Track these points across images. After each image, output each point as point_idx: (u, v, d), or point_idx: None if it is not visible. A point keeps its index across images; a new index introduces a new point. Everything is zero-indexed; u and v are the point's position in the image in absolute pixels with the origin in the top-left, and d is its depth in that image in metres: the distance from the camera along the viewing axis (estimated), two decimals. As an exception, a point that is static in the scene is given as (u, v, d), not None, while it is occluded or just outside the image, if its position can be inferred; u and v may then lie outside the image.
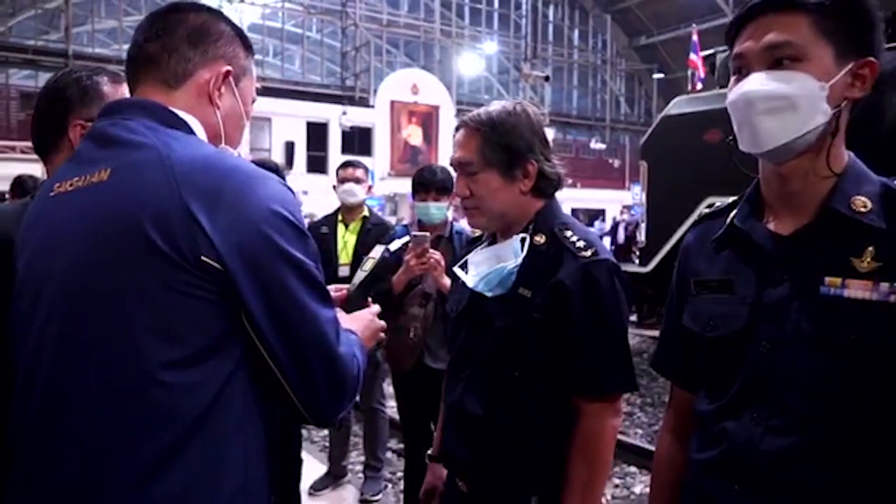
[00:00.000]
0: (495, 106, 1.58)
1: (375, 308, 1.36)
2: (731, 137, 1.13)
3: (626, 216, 15.78)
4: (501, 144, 1.54)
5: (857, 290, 1.02)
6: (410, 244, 2.80)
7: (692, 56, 14.06)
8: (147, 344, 0.95)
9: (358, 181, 3.76)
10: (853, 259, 1.03)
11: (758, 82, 1.06)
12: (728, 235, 1.20)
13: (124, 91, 1.36)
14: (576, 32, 31.13)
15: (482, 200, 1.57)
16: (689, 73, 13.90)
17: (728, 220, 1.20)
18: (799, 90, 1.04)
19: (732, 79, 1.12)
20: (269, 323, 1.00)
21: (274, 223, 1.01)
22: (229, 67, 1.15)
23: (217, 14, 1.18)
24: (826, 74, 1.04)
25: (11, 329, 1.09)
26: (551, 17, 30.17)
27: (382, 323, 1.34)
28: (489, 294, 1.55)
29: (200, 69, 1.13)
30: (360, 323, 1.28)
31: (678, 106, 6.95)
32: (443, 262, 2.77)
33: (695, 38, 14.42)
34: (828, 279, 1.04)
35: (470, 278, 1.60)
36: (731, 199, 1.25)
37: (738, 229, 1.17)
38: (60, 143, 1.36)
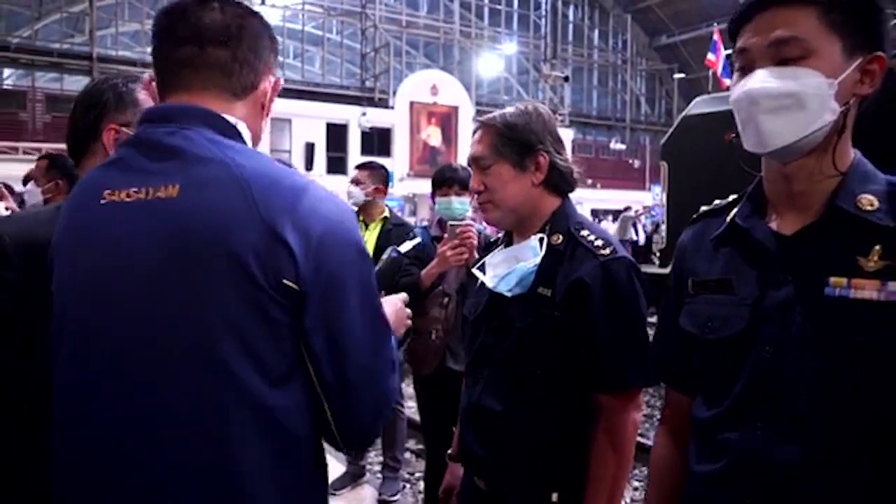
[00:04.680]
0: (510, 108, 1.66)
1: (403, 295, 1.37)
2: (734, 135, 1.10)
3: (639, 213, 15.76)
4: (513, 138, 1.59)
5: (863, 290, 0.98)
6: (447, 235, 2.73)
7: (710, 56, 13.92)
8: (234, 365, 0.94)
9: (357, 183, 3.74)
10: (859, 258, 0.99)
11: (763, 79, 1.01)
12: (728, 234, 1.16)
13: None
14: (596, 32, 31.00)
15: (495, 193, 1.61)
16: (711, 72, 13.76)
17: (728, 218, 1.17)
18: (806, 87, 0.99)
19: (735, 75, 1.08)
20: (327, 349, 0.99)
21: (348, 245, 1.02)
22: (278, 77, 1.16)
23: (260, 16, 1.15)
24: (834, 70, 1.00)
25: (56, 333, 1.04)
26: (571, 18, 30.09)
27: (409, 311, 1.36)
28: (508, 294, 1.57)
29: (262, 80, 1.12)
30: (392, 308, 1.27)
31: (699, 106, 6.89)
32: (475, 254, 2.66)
33: (716, 37, 14.27)
34: (833, 279, 1.00)
35: (489, 279, 1.62)
36: (731, 197, 1.21)
37: (740, 227, 1.13)
38: (94, 147, 1.39)
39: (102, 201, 1.01)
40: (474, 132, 1.67)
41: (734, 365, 1.08)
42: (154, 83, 1.14)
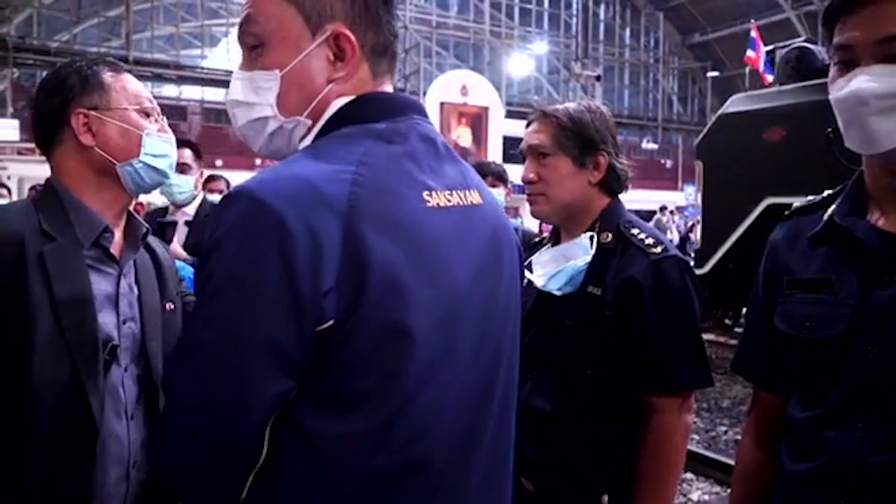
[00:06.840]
0: (570, 104, 1.64)
1: None
2: (830, 129, 1.07)
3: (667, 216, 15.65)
4: (577, 133, 1.58)
5: None
6: None
7: (749, 53, 13.64)
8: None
9: None
10: None
11: (870, 78, 0.98)
12: (825, 232, 1.13)
13: (125, 81, 1.33)
14: (627, 31, 30.71)
15: (550, 186, 1.60)
16: (747, 70, 13.50)
17: (826, 216, 1.14)
18: None
19: (834, 70, 1.05)
20: None
21: None
22: None
23: None
24: None
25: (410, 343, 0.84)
26: (602, 16, 29.83)
27: None
28: (558, 293, 1.56)
29: None
30: None
31: (735, 104, 6.78)
32: None
33: (753, 33, 13.98)
34: None
35: (537, 278, 1.61)
36: (826, 193, 1.18)
37: (838, 226, 1.10)
38: (62, 135, 1.31)
39: (428, 204, 0.90)
40: (530, 122, 1.65)
41: (834, 365, 1.06)
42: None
